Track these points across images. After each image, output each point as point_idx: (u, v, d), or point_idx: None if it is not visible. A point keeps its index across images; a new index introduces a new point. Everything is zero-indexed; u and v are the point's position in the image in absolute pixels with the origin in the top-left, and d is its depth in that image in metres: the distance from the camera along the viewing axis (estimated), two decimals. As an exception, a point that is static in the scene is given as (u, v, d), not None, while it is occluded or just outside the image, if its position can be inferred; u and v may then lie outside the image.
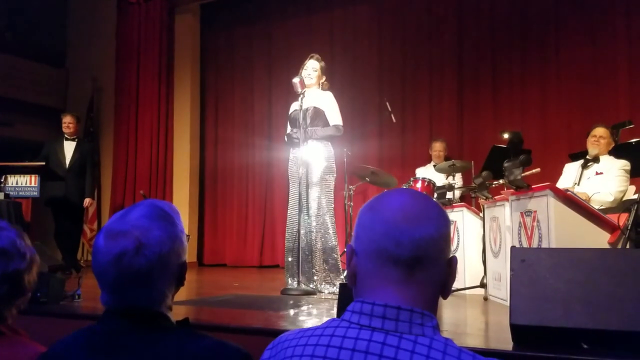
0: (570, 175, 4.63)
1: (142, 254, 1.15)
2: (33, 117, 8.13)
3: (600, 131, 4.53)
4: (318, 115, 4.44)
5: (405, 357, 0.86)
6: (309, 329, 0.96)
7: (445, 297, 0.99)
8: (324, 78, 4.58)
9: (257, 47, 7.93)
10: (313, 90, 4.52)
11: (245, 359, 1.14)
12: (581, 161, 4.56)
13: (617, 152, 4.50)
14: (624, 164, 4.33)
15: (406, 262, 0.92)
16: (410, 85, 7.01)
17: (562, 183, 4.52)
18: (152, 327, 1.18)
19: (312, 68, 4.51)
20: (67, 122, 6.19)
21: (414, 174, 5.94)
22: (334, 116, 4.47)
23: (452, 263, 0.98)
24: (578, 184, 4.45)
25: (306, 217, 4.33)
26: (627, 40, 5.92)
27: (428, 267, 0.94)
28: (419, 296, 0.93)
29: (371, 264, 0.95)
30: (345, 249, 5.00)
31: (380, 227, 0.94)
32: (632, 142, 4.56)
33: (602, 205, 4.10)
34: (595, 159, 4.49)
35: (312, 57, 4.57)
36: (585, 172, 4.50)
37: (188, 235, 1.30)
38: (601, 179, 4.34)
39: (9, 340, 1.40)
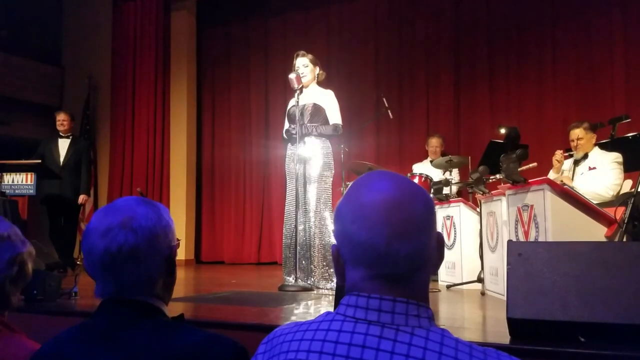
0: (564, 173, 4.65)
1: (129, 226, 1.17)
2: (29, 115, 8.11)
3: (575, 133, 4.57)
4: (318, 112, 4.42)
5: (403, 349, 0.85)
6: (304, 322, 0.95)
7: (434, 273, 0.96)
8: (318, 69, 4.55)
9: (253, 43, 7.92)
10: (312, 87, 4.51)
11: (240, 353, 1.14)
12: (572, 159, 4.60)
13: (613, 146, 4.50)
14: (615, 157, 4.33)
15: (403, 275, 0.91)
16: (407, 81, 7.01)
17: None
18: (147, 321, 1.18)
19: (302, 65, 4.47)
20: (61, 120, 6.19)
21: (411, 170, 5.94)
22: (334, 115, 4.46)
23: (439, 243, 0.96)
24: (572, 180, 4.46)
25: (305, 214, 4.32)
26: (623, 36, 5.92)
27: (423, 267, 0.93)
28: (413, 289, 0.92)
29: (362, 274, 0.92)
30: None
31: (371, 247, 0.88)
32: (628, 136, 4.57)
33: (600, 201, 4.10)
34: (584, 156, 4.50)
35: (298, 55, 4.52)
36: (578, 168, 4.52)
37: (178, 240, 1.31)
38: (595, 174, 4.35)
39: (4, 337, 1.40)
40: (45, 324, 2.87)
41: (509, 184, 3.54)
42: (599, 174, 4.33)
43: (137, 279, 1.19)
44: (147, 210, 1.22)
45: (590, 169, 4.42)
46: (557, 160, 4.71)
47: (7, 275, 1.43)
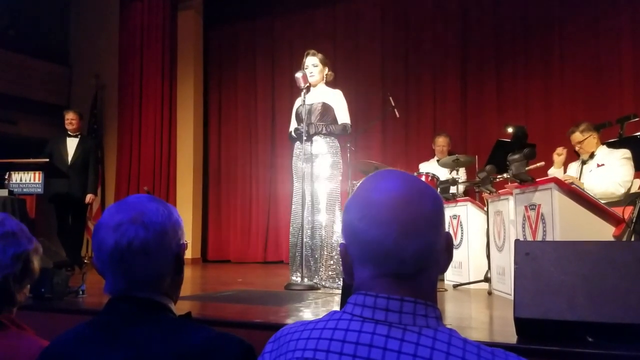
0: (572, 173, 4.62)
1: (139, 221, 1.19)
2: (37, 114, 8.16)
3: (574, 138, 4.53)
4: (327, 112, 4.43)
5: (410, 349, 0.85)
6: (311, 321, 0.95)
7: (443, 272, 0.95)
8: (327, 69, 4.56)
9: (259, 42, 7.93)
10: (320, 86, 4.51)
11: (247, 351, 1.14)
12: (580, 160, 4.58)
13: (621, 145, 4.47)
14: (623, 153, 4.25)
15: (410, 274, 0.90)
16: (414, 80, 7.00)
17: None
18: (155, 318, 1.18)
19: (312, 65, 4.48)
20: (70, 119, 6.21)
21: (418, 169, 5.93)
22: (343, 115, 4.47)
23: (448, 243, 0.96)
24: (579, 179, 4.43)
25: (312, 212, 4.32)
26: (631, 34, 5.88)
27: (431, 266, 0.93)
28: (421, 289, 0.92)
29: (370, 273, 0.92)
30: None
31: (379, 245, 0.89)
32: (637, 135, 4.53)
33: (612, 199, 4.05)
34: (591, 155, 4.46)
35: (308, 54, 4.52)
36: (585, 167, 4.48)
37: (186, 241, 1.32)
38: (604, 171, 4.29)
39: (13, 335, 1.40)
40: (54, 322, 2.88)
41: (516, 183, 3.53)
42: (608, 170, 4.26)
43: (146, 275, 1.20)
44: (158, 206, 1.23)
45: (598, 165, 4.37)
46: (557, 154, 4.69)
47: (10, 272, 1.42)
